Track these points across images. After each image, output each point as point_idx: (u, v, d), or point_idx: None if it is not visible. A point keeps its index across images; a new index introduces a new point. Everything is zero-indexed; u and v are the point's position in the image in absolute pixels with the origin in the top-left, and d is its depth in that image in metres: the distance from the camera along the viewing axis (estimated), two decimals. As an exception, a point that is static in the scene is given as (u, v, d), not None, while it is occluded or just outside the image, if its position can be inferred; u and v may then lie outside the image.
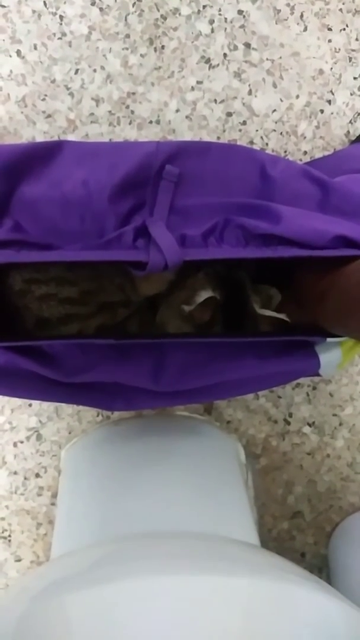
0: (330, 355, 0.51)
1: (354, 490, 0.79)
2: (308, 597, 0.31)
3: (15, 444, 0.75)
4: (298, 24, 0.65)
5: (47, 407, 0.74)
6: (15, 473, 0.76)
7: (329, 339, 0.49)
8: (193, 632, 0.27)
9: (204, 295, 0.54)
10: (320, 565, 0.81)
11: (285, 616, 0.30)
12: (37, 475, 0.76)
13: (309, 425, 0.75)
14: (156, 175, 0.47)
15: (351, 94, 0.66)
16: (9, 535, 0.79)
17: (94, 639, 0.28)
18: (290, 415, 0.75)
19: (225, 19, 0.65)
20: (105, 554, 0.36)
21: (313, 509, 0.79)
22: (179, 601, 0.29)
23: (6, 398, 0.73)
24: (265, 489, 0.78)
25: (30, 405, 0.73)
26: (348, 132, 0.67)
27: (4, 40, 0.64)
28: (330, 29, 0.65)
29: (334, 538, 0.80)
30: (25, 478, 0.76)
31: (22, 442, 0.75)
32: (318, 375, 0.55)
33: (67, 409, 0.74)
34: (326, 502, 0.79)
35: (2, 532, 0.79)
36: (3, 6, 0.64)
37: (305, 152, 0.67)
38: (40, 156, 0.48)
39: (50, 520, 0.79)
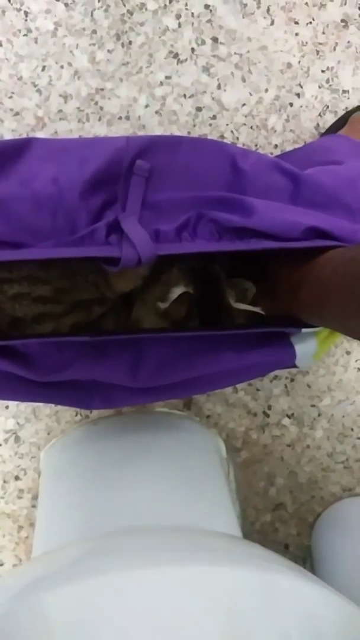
0: (306, 345, 0.52)
1: (334, 480, 0.80)
2: (292, 585, 0.31)
3: (-7, 448, 0.74)
4: (265, 17, 0.65)
5: (25, 408, 0.73)
6: (-6, 477, 0.75)
7: (304, 330, 0.50)
8: (176, 624, 0.27)
9: (177, 291, 0.54)
10: (303, 557, 0.82)
11: (270, 605, 0.30)
12: (17, 478, 0.75)
13: (288, 417, 0.76)
14: (127, 170, 0.47)
15: (319, 87, 0.67)
16: (-10, 541, 0.78)
17: (74, 636, 0.27)
18: (269, 407, 0.75)
19: (192, 13, 0.65)
20: (84, 551, 0.36)
21: (295, 500, 0.80)
22: (160, 593, 0.28)
23: (-18, 401, 0.72)
24: (246, 482, 0.78)
25: (7, 407, 0.72)
26: (318, 124, 0.68)
27: (-32, 36, 0.63)
28: (297, 23, 0.66)
29: (317, 528, 0.81)
30: (4, 481, 0.75)
31: (0, 445, 0.74)
32: (295, 366, 0.56)
33: (45, 409, 0.73)
34: (308, 492, 0.80)
35: (-17, 538, 0.77)
36: (-34, 2, 0.63)
37: (275, 146, 0.68)
38: (8, 154, 0.47)
39: (32, 523, 0.78)
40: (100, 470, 0.63)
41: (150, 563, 0.31)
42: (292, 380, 0.75)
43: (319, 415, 0.76)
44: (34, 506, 0.77)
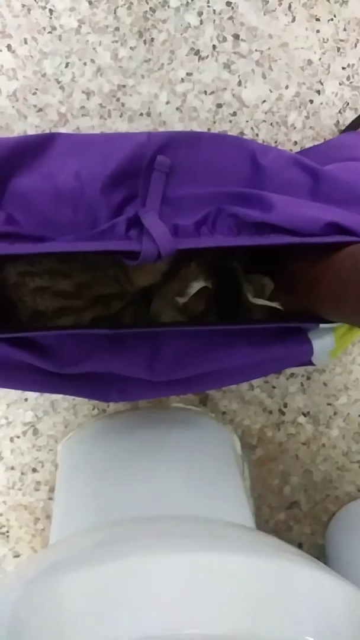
0: (323, 341, 0.52)
1: (349, 479, 0.79)
2: (308, 575, 0.32)
3: (11, 439, 0.75)
4: (286, 14, 0.65)
5: (43, 401, 0.74)
6: (12, 468, 0.76)
7: (321, 325, 0.50)
8: (191, 608, 0.28)
9: (196, 286, 0.54)
10: (317, 556, 0.82)
11: (285, 593, 0.30)
12: (34, 470, 0.76)
13: (304, 415, 0.76)
14: (148, 166, 0.48)
15: (340, 84, 0.67)
16: (7, 531, 0.79)
17: (89, 619, 0.28)
18: (285, 405, 0.75)
19: (214, 10, 0.65)
20: (101, 537, 0.37)
21: (309, 499, 0.79)
22: (176, 578, 0.29)
23: (1, 393, 0.73)
24: (261, 480, 0.78)
25: (26, 399, 0.73)
26: (338, 121, 0.67)
27: (-7, 34, 0.64)
28: (318, 20, 0.66)
29: (331, 528, 0.81)
30: (22, 473, 0.76)
31: (18, 437, 0.75)
32: (312, 364, 0.56)
33: (63, 402, 0.74)
34: (322, 491, 0.79)
35: (0, 528, 0.79)
36: (-8, 0, 0.64)
37: (295, 142, 0.68)
38: (32, 149, 0.48)
39: (48, 515, 0.79)
40: (117, 463, 0.63)
41: (166, 548, 0.31)
42: (308, 378, 0.75)
43: (335, 414, 0.76)
44: (50, 499, 0.78)
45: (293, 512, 0.80)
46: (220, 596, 0.29)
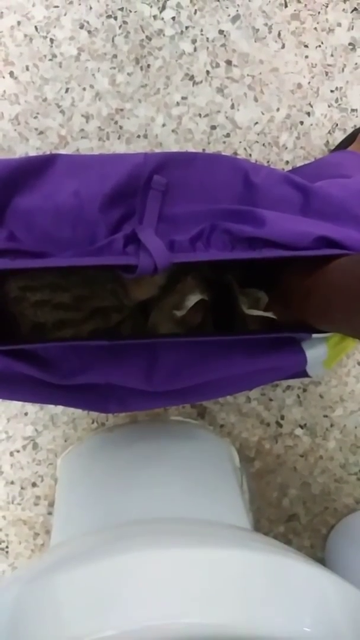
0: (316, 351, 0.53)
1: (347, 491, 0.80)
2: (304, 571, 0.33)
3: (11, 453, 0.76)
4: (276, 41, 0.69)
5: (43, 415, 0.75)
6: (12, 483, 0.77)
7: (314, 335, 0.51)
8: (189, 599, 0.28)
9: (194, 299, 0.56)
10: (317, 569, 0.82)
11: (280, 584, 0.31)
12: (34, 485, 0.77)
13: (301, 427, 0.77)
14: (145, 185, 0.50)
15: (329, 106, 0.70)
16: (7, 547, 0.79)
17: (86, 616, 0.29)
18: (282, 417, 0.77)
19: (207, 38, 0.68)
20: (98, 538, 0.37)
21: (308, 511, 0.80)
22: (173, 571, 0.30)
23: (1, 407, 0.74)
24: (260, 493, 0.79)
25: (26, 414, 0.75)
26: (327, 142, 0.70)
27: (-4, 62, 0.67)
28: (306, 46, 0.69)
29: (330, 540, 0.81)
30: (22, 487, 0.77)
31: (18, 451, 0.75)
32: (307, 375, 0.57)
33: (63, 417, 0.75)
34: (321, 504, 0.80)
35: (0, 544, 0.79)
36: (-5, 30, 0.67)
37: (287, 162, 0.70)
38: (34, 169, 0.50)
39: (47, 530, 0.79)
40: (116, 475, 0.64)
41: (163, 544, 0.32)
42: (304, 390, 0.76)
43: (332, 425, 0.77)
44: (50, 513, 0.79)
45: (292, 525, 0.80)
46: (217, 587, 0.29)
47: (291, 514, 0.80)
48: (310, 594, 0.32)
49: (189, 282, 0.58)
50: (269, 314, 0.53)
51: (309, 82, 0.69)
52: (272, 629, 0.29)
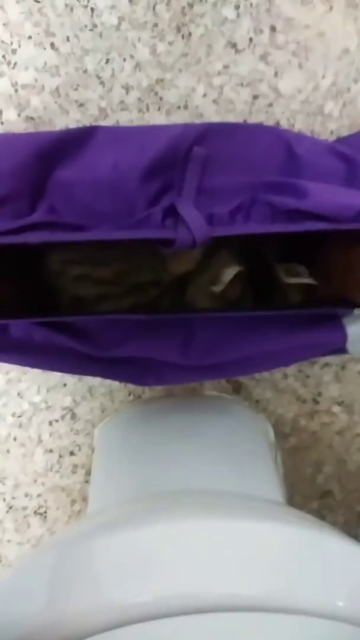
0: (357, 327, 0.52)
1: (384, 471, 0.79)
2: (338, 543, 0.33)
3: (50, 423, 0.78)
4: (323, 4, 0.65)
5: (81, 387, 0.76)
6: (50, 451, 0.79)
7: (356, 311, 0.50)
8: (224, 569, 0.29)
9: (231, 272, 0.55)
10: (350, 547, 0.82)
11: (316, 558, 0.31)
12: (72, 453, 0.79)
13: (338, 404, 0.76)
14: (184, 157, 0.49)
15: (378, 73, 0.66)
16: (45, 512, 0.82)
17: (123, 582, 0.30)
18: (319, 394, 0.76)
19: (251, 3, 0.66)
20: (136, 506, 0.38)
21: (343, 488, 0.79)
22: (210, 542, 0.30)
23: (42, 378, 0.76)
24: (294, 469, 0.79)
25: (65, 385, 0.76)
26: (375, 111, 0.67)
27: (38, 33, 0.67)
28: (355, 7, 0.65)
29: (365, 519, 0.81)
30: (60, 456, 0.79)
31: (57, 420, 0.78)
32: (346, 351, 0.56)
33: (100, 388, 0.77)
34: (356, 481, 0.79)
35: (39, 509, 0.82)
36: (38, 1, 0.66)
37: (332, 132, 0.68)
38: (74, 141, 0.50)
39: (84, 498, 0.82)
40: (151, 447, 0.65)
41: (199, 515, 0.33)
42: (343, 367, 0.75)
43: (370, 404, 0.76)
44: (87, 481, 0.81)
45: (326, 502, 0.80)
46: (252, 559, 0.30)
47: (325, 490, 0.80)
48: (344, 569, 0.32)
49: (223, 255, 0.57)
50: (310, 280, 0.52)
51: (358, 47, 0.66)
52: (305, 602, 0.29)
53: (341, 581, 0.31)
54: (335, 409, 0.76)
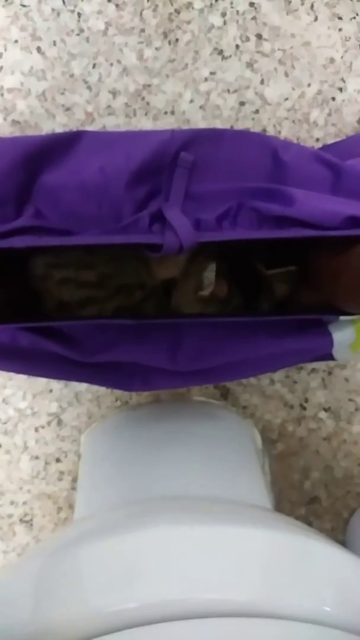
0: (343, 334, 0.52)
1: (370, 476, 0.79)
2: (324, 549, 0.33)
3: (36, 429, 0.77)
4: (309, 14, 0.66)
5: (68, 392, 0.76)
6: (36, 458, 0.78)
7: (342, 317, 0.51)
8: (210, 575, 0.29)
9: (211, 272, 0.55)
10: (337, 552, 0.82)
11: (302, 564, 0.31)
12: (58, 460, 0.78)
13: (325, 410, 0.76)
14: (171, 162, 0.49)
15: (362, 81, 0.67)
16: (31, 519, 0.81)
17: (109, 589, 0.29)
18: (306, 400, 0.76)
19: (237, 11, 0.67)
20: (122, 512, 0.38)
21: (330, 494, 0.80)
22: (195, 547, 0.30)
23: (27, 384, 0.75)
24: (282, 475, 0.79)
25: (51, 390, 0.76)
26: (360, 118, 0.68)
27: (25, 37, 0.67)
28: (340, 18, 0.66)
29: (351, 524, 0.81)
30: (46, 463, 0.79)
31: (43, 427, 0.77)
32: (333, 358, 0.56)
33: (87, 394, 0.76)
34: (343, 487, 0.79)
35: (25, 516, 0.81)
36: (24, 5, 0.66)
37: (317, 139, 0.69)
38: (60, 145, 0.50)
39: (71, 505, 0.81)
40: (138, 453, 0.65)
41: (186, 521, 0.32)
42: (329, 373, 0.75)
43: (357, 409, 0.76)
44: (73, 488, 0.80)
45: (313, 508, 0.80)
46: (239, 565, 0.30)
47: (313, 496, 0.80)
48: (332, 575, 0.32)
49: (201, 261, 0.57)
50: (289, 268, 0.53)
51: (342, 57, 0.67)
52: (293, 607, 0.29)
53: (328, 586, 0.30)
54: (322, 415, 0.76)
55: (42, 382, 0.76)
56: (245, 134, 0.52)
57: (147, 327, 0.53)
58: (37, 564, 0.33)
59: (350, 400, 0.76)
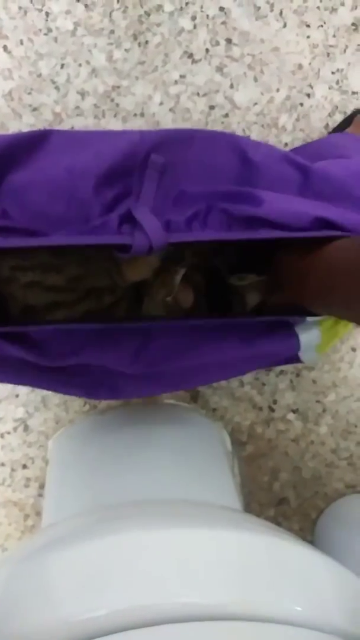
0: (309, 335, 0.53)
1: (338, 476, 0.80)
2: (293, 548, 0.33)
3: (2, 435, 0.75)
4: (277, 20, 0.67)
5: (34, 397, 0.74)
6: (2, 464, 0.76)
7: (308, 318, 0.51)
8: (181, 579, 0.28)
9: (177, 278, 0.55)
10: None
11: (273, 565, 0.31)
12: (24, 467, 0.77)
13: (293, 412, 0.77)
14: (141, 164, 0.49)
15: (329, 88, 0.69)
16: (-3, 528, 0.79)
17: (79, 596, 0.28)
18: (275, 402, 0.76)
19: (207, 15, 0.67)
20: (90, 518, 0.37)
21: (298, 495, 0.80)
22: (166, 551, 0.30)
23: (-7, 389, 0.74)
24: (251, 476, 0.79)
25: (17, 396, 0.74)
26: (327, 124, 0.69)
27: (-10, 34, 0.65)
28: (308, 26, 0.67)
29: (319, 525, 0.82)
30: (12, 469, 0.77)
31: (9, 433, 0.75)
32: (300, 360, 0.57)
33: (54, 399, 0.75)
34: (311, 488, 0.80)
35: (-10, 525, 0.79)
36: (-11, 2, 0.65)
37: (286, 144, 0.69)
38: (27, 145, 0.49)
39: (38, 512, 0.79)
40: (107, 458, 0.64)
41: (155, 526, 0.32)
42: (297, 375, 0.76)
43: (324, 411, 0.77)
44: (40, 495, 0.78)
45: (282, 509, 0.81)
46: (210, 567, 0.29)
47: (281, 497, 0.81)
48: (303, 574, 0.32)
49: (172, 271, 0.57)
50: (254, 277, 0.53)
51: (310, 63, 0.68)
52: (265, 608, 0.29)
53: (299, 586, 0.30)
54: (291, 416, 0.77)
55: (7, 387, 0.74)
56: (215, 136, 0.52)
57: (115, 331, 0.52)
58: (4, 574, 0.32)
59: (318, 401, 0.77)
